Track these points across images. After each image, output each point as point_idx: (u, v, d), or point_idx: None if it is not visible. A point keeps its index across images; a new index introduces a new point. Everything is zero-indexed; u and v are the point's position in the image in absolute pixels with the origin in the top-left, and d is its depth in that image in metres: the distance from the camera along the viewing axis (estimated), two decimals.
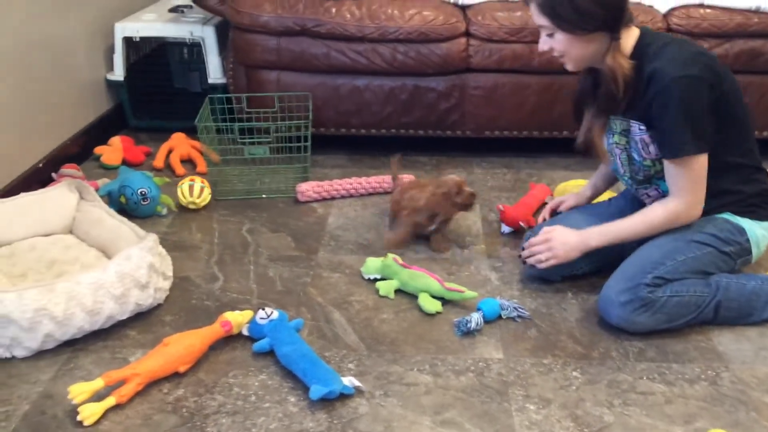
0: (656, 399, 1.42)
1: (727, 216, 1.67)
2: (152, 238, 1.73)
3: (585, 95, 1.74)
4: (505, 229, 2.12)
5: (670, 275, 1.58)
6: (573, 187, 2.20)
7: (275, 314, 1.59)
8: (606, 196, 2.03)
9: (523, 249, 1.81)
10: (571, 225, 1.75)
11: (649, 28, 1.63)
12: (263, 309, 1.60)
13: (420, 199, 1.95)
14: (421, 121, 2.56)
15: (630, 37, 1.59)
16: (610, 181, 1.97)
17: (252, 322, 1.60)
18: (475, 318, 1.64)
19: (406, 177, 2.25)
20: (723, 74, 1.57)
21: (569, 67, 1.66)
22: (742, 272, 1.73)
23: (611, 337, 1.61)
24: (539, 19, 1.58)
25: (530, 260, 1.76)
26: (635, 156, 1.67)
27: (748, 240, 1.66)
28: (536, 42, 2.36)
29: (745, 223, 1.66)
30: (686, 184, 1.59)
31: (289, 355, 1.49)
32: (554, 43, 1.60)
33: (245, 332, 1.61)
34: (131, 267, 1.64)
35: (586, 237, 1.69)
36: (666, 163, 1.60)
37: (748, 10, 2.36)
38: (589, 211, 1.87)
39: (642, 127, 1.62)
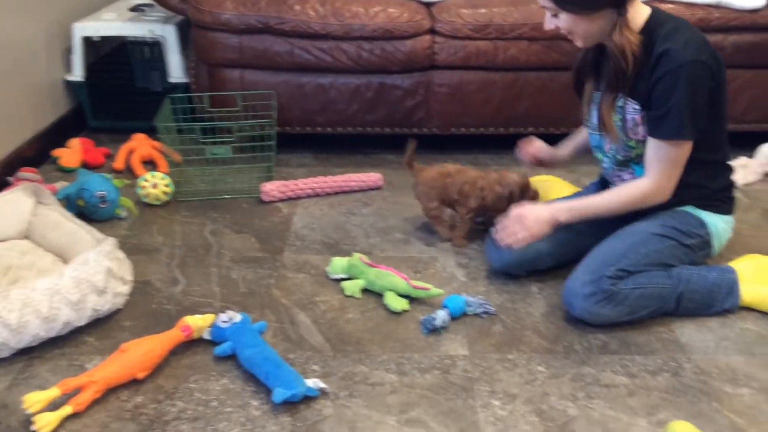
0: (619, 391, 1.43)
1: (690, 209, 1.69)
2: (110, 242, 1.70)
3: (586, 67, 1.72)
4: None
5: (633, 267, 1.59)
6: (539, 183, 2.20)
7: (237, 317, 1.56)
8: (566, 190, 2.03)
9: (492, 236, 1.82)
10: None
11: (660, 9, 1.60)
12: (225, 312, 1.57)
13: (486, 198, 1.94)
14: (386, 119, 2.54)
15: (639, 14, 1.56)
16: (583, 151, 1.97)
17: (213, 325, 1.57)
18: (441, 315, 1.63)
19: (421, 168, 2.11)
20: (722, 66, 1.58)
21: (578, 44, 1.64)
22: (704, 264, 1.74)
23: (575, 330, 1.62)
24: (542, 0, 1.57)
25: (506, 240, 1.74)
26: (622, 135, 1.67)
27: (708, 233, 1.68)
28: (501, 39, 2.39)
29: (706, 216, 1.68)
30: (666, 167, 1.59)
31: (251, 358, 1.46)
32: (559, 22, 1.58)
33: (207, 336, 1.58)
34: (88, 272, 1.60)
35: (556, 211, 1.69)
36: (653, 142, 1.59)
37: (709, 5, 2.38)
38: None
39: (636, 107, 1.61)
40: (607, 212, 1.67)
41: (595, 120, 1.72)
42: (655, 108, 1.56)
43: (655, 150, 1.59)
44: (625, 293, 1.57)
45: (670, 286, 1.60)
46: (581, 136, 1.98)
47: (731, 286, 1.64)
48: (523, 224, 1.70)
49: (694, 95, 1.52)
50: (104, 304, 1.63)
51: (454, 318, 1.66)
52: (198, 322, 1.57)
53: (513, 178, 1.92)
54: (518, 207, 1.74)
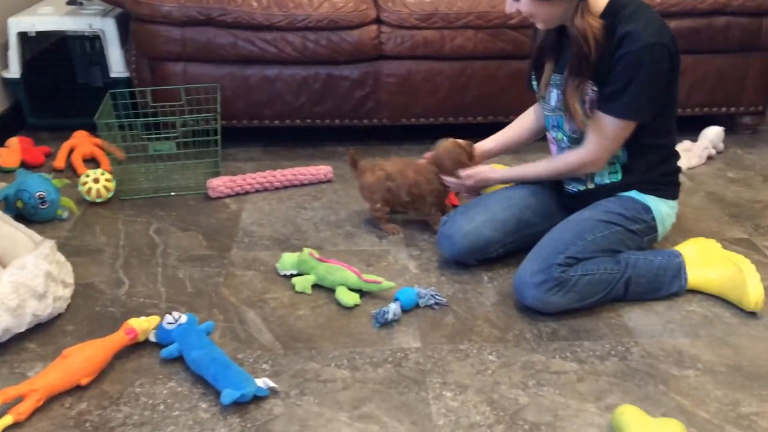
0: (569, 378, 1.44)
1: (635, 194, 1.71)
2: (48, 245, 1.64)
3: (547, 48, 1.71)
4: None
5: (581, 254, 1.61)
6: None
7: (183, 318, 1.52)
8: None
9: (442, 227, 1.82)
10: (490, 212, 1.77)
11: None
12: (170, 313, 1.53)
13: (435, 188, 1.94)
14: (335, 111, 2.52)
15: None
16: (525, 138, 1.96)
17: (159, 327, 1.53)
18: (393, 308, 1.62)
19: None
20: (678, 50, 1.60)
21: (540, 26, 1.63)
22: (651, 249, 1.77)
23: (526, 318, 1.63)
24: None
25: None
26: (584, 117, 1.67)
27: (653, 218, 1.70)
28: (447, 28, 2.38)
29: (651, 201, 1.70)
30: (608, 142, 1.63)
31: (198, 360, 1.43)
32: (520, 6, 1.58)
33: (152, 338, 1.54)
34: (26, 276, 1.54)
35: (492, 169, 1.84)
36: (601, 116, 1.60)
37: None
38: (507, 197, 1.86)
39: (595, 89, 1.61)
40: (542, 176, 1.79)
41: (553, 102, 1.72)
42: (611, 84, 1.57)
43: (601, 124, 1.61)
44: (574, 280, 1.58)
45: (617, 271, 1.62)
46: (513, 132, 1.97)
47: (677, 269, 1.67)
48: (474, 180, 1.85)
49: (653, 78, 1.54)
50: (45, 309, 1.58)
51: (406, 310, 1.65)
52: (143, 325, 1.53)
53: (444, 155, 1.90)
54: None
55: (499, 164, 2.32)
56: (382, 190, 1.96)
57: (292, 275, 1.79)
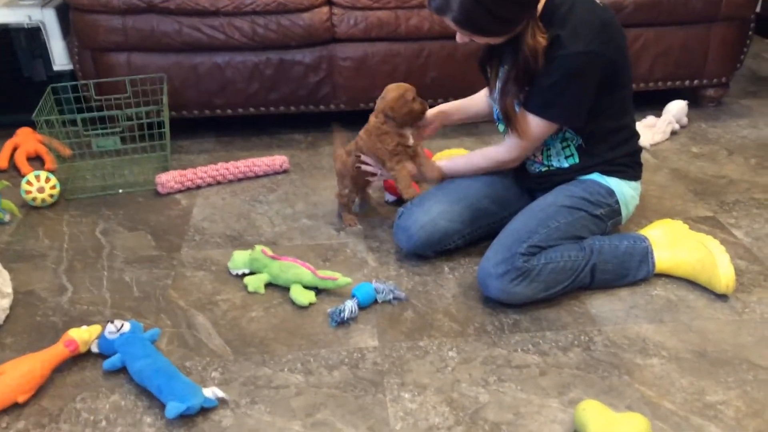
0: (531, 371, 1.39)
1: (596, 177, 1.66)
2: None
3: (492, 56, 1.65)
4: (389, 197, 2.05)
5: (545, 242, 1.55)
6: (450, 155, 2.14)
7: (126, 326, 1.44)
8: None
9: (399, 219, 1.75)
10: (447, 202, 1.70)
11: None
12: (112, 322, 1.45)
13: (394, 146, 1.75)
14: (290, 97, 2.43)
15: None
16: (480, 113, 1.91)
17: (101, 337, 1.45)
18: (349, 306, 1.55)
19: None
20: (620, 43, 1.55)
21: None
22: (615, 233, 1.72)
23: (487, 309, 1.57)
24: (456, 29, 1.50)
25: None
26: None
27: (617, 201, 1.65)
28: (402, 8, 2.30)
29: (614, 183, 1.65)
30: (528, 142, 1.62)
31: (142, 371, 1.35)
32: (474, 39, 1.53)
33: (95, 349, 1.46)
34: None
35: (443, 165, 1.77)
36: (526, 115, 1.58)
37: None
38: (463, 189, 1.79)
39: (526, 88, 1.57)
40: (470, 171, 1.76)
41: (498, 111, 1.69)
42: (539, 83, 1.53)
43: (524, 122, 1.59)
44: (538, 269, 1.52)
45: (582, 258, 1.57)
46: (472, 101, 1.92)
47: (644, 254, 1.62)
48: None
49: (577, 84, 1.52)
50: None
51: (363, 307, 1.59)
52: (83, 335, 1.44)
53: (388, 106, 1.75)
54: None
55: (462, 149, 2.26)
56: (350, 174, 1.87)
57: (245, 274, 1.71)
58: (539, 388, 1.35)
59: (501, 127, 1.70)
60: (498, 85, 1.63)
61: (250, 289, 1.66)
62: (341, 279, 1.63)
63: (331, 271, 1.65)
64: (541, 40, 1.47)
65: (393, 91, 1.76)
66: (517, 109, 1.59)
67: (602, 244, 1.60)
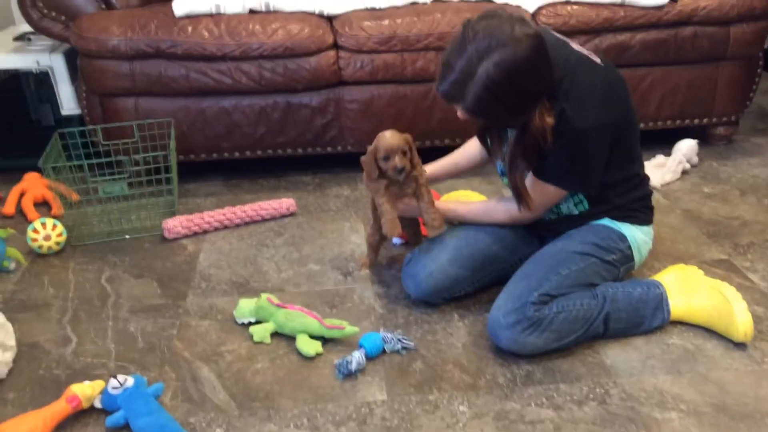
0: (545, 427, 1.34)
1: (607, 222, 1.63)
2: None
3: (491, 129, 1.61)
4: (396, 241, 2.02)
5: (556, 290, 1.52)
6: (456, 199, 2.12)
7: (130, 381, 1.42)
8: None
9: (406, 265, 1.73)
10: (456, 248, 1.67)
11: (557, 48, 1.47)
12: (116, 377, 1.42)
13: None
14: (297, 140, 2.42)
15: None
16: (473, 165, 1.89)
17: (104, 392, 1.42)
18: (357, 357, 1.52)
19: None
20: (624, 100, 1.52)
21: None
22: (627, 279, 1.68)
23: (498, 360, 1.53)
24: (467, 117, 1.45)
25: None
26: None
27: (629, 247, 1.62)
28: (407, 50, 2.30)
29: (625, 228, 1.62)
30: (538, 204, 1.59)
31: (145, 428, 1.32)
32: (477, 120, 1.51)
33: (98, 405, 1.42)
34: None
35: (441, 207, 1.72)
36: (535, 180, 1.55)
37: (614, 4, 2.35)
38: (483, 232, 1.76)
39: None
40: (472, 222, 1.73)
41: (501, 167, 1.69)
42: (548, 157, 1.49)
43: (534, 185, 1.56)
44: (550, 318, 1.49)
45: (595, 306, 1.53)
46: (459, 158, 1.88)
47: (659, 301, 1.58)
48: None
49: (590, 156, 1.50)
50: None
51: (371, 358, 1.55)
52: (86, 391, 1.41)
53: (368, 154, 1.71)
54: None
55: (467, 190, 2.24)
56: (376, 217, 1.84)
57: (251, 323, 1.68)
58: None
59: (505, 180, 1.68)
60: (506, 158, 1.57)
61: (256, 339, 1.63)
62: (348, 328, 1.60)
63: (338, 320, 1.62)
64: (549, 120, 1.43)
65: (378, 140, 1.71)
66: (526, 175, 1.56)
67: (615, 292, 1.57)
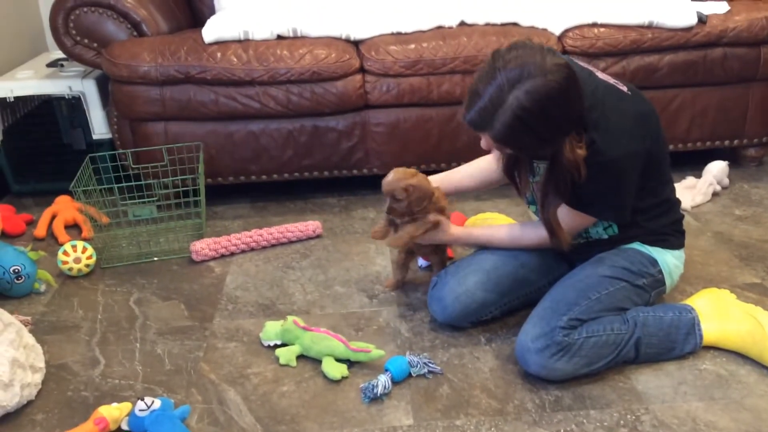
0: None
1: (638, 246, 1.60)
2: (14, 329, 1.54)
3: (520, 163, 1.58)
4: (422, 263, 2.01)
5: (585, 315, 1.49)
6: (482, 221, 2.11)
7: (157, 403, 1.42)
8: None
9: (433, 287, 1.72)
10: (483, 271, 1.66)
11: (584, 80, 1.43)
12: (143, 399, 1.43)
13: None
14: (324, 163, 2.44)
15: None
16: (476, 187, 1.89)
17: (131, 414, 1.43)
18: (383, 381, 1.51)
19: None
20: (655, 129, 1.50)
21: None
22: (658, 303, 1.65)
23: (527, 385, 1.51)
24: (494, 145, 1.43)
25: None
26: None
27: (660, 271, 1.59)
28: (433, 74, 2.31)
29: (656, 253, 1.60)
30: (572, 229, 1.57)
31: None
32: (504, 149, 1.48)
33: (125, 427, 1.43)
34: None
35: (455, 227, 1.70)
36: (567, 209, 1.53)
37: (641, 26, 2.34)
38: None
39: None
40: (499, 246, 1.69)
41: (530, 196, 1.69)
42: (580, 189, 1.46)
43: (564, 213, 1.53)
44: (579, 343, 1.46)
45: (625, 331, 1.50)
46: (462, 178, 1.87)
47: (690, 326, 1.55)
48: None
49: (621, 186, 1.48)
50: (11, 398, 1.48)
51: (397, 382, 1.54)
52: (114, 413, 1.42)
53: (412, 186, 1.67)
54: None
55: (494, 213, 2.23)
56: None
57: (276, 345, 1.68)
58: None
59: (533, 208, 1.67)
60: (537, 195, 1.56)
61: (282, 361, 1.63)
62: (374, 351, 1.59)
63: (364, 343, 1.62)
64: (581, 152, 1.40)
65: (389, 175, 1.71)
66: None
67: (646, 316, 1.54)
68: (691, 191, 2.32)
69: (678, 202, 1.64)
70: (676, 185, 1.72)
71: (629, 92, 1.50)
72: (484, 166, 1.82)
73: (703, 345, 1.57)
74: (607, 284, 1.55)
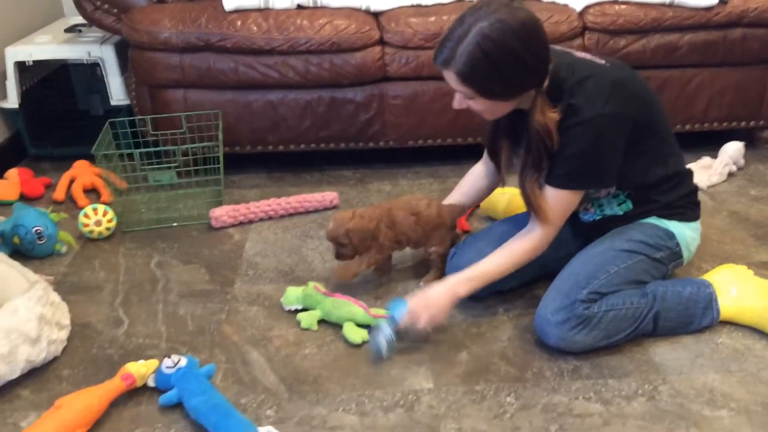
0: (593, 421, 1.34)
1: (654, 220, 1.62)
2: (42, 286, 1.57)
3: (500, 135, 1.62)
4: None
5: (605, 288, 1.51)
6: (498, 196, 2.12)
7: (183, 361, 1.45)
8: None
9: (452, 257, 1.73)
10: (501, 242, 1.67)
11: (559, 55, 1.48)
12: (169, 357, 1.45)
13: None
14: (341, 134, 2.44)
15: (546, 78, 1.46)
16: (477, 194, 1.88)
17: (157, 372, 1.45)
18: (385, 334, 1.51)
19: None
20: (640, 96, 1.51)
21: (488, 118, 1.56)
22: (676, 276, 1.67)
23: (545, 355, 1.53)
24: (456, 85, 1.44)
25: (413, 323, 1.54)
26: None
27: (677, 244, 1.61)
28: None
29: (673, 226, 1.61)
30: (556, 215, 1.53)
31: (198, 407, 1.35)
32: (473, 104, 1.48)
33: (151, 383, 1.46)
34: (18, 321, 1.47)
35: (454, 288, 1.56)
36: (548, 189, 1.52)
37: (663, 5, 2.33)
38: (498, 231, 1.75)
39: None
40: (504, 274, 1.59)
41: None
42: (556, 157, 1.47)
43: (548, 194, 1.52)
44: (599, 316, 1.48)
45: (644, 305, 1.52)
46: (472, 185, 1.86)
47: (708, 301, 1.57)
48: (427, 313, 1.53)
49: (598, 149, 1.46)
50: (39, 353, 1.50)
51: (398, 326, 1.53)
52: (141, 369, 1.45)
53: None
54: (420, 294, 1.56)
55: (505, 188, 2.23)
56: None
57: (297, 310, 1.70)
58: None
59: None
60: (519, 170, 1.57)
61: (303, 325, 1.65)
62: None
63: (384, 310, 1.64)
64: (552, 116, 1.43)
65: (330, 224, 1.75)
66: (541, 185, 1.53)
67: (665, 291, 1.56)
68: (707, 171, 2.33)
69: (690, 173, 1.64)
70: (692, 165, 1.73)
71: (607, 64, 1.51)
72: (474, 175, 1.85)
73: (720, 320, 1.59)
74: (626, 258, 1.56)
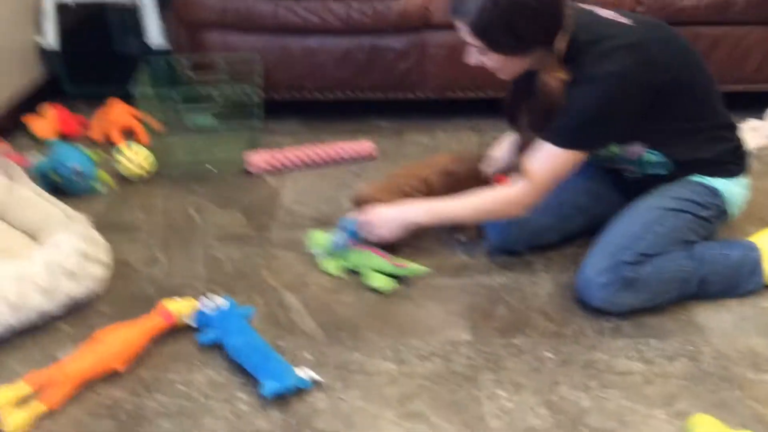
0: (634, 379, 1.33)
1: (699, 178, 1.57)
2: (82, 222, 1.57)
3: (519, 98, 1.57)
4: None
5: (652, 250, 1.47)
6: None
7: (223, 302, 1.45)
8: None
9: None
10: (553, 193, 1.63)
11: (581, 15, 1.45)
12: (209, 296, 1.46)
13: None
14: (379, 84, 2.40)
15: (562, 40, 1.42)
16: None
17: (198, 311, 1.46)
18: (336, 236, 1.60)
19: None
20: (668, 62, 1.44)
21: (503, 77, 1.53)
22: (722, 237, 1.63)
23: (584, 312, 1.51)
24: (469, 38, 1.42)
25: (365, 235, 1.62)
26: None
27: (723, 202, 1.56)
28: None
29: (718, 183, 1.56)
30: (543, 173, 1.48)
31: (238, 347, 1.36)
32: (485, 59, 1.46)
33: (189, 322, 1.47)
34: (60, 255, 1.49)
35: (408, 213, 1.58)
36: (541, 143, 1.47)
37: None
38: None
39: None
40: (467, 219, 1.59)
41: None
42: (559, 113, 1.44)
43: (539, 151, 1.48)
44: (645, 279, 1.45)
45: (692, 268, 1.49)
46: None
47: (754, 264, 1.53)
48: (376, 229, 1.58)
49: (599, 109, 1.42)
50: (79, 289, 1.52)
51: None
52: (180, 308, 1.46)
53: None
54: (375, 210, 1.60)
55: None
56: None
57: (320, 255, 1.69)
58: (644, 397, 1.29)
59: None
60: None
61: (329, 271, 1.64)
62: (412, 266, 1.60)
63: (404, 259, 1.62)
64: (559, 75, 1.40)
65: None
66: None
67: (714, 253, 1.52)
68: (753, 133, 2.26)
69: (734, 126, 1.58)
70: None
71: (633, 24, 1.45)
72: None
73: (765, 284, 1.55)
74: (672, 217, 1.52)
